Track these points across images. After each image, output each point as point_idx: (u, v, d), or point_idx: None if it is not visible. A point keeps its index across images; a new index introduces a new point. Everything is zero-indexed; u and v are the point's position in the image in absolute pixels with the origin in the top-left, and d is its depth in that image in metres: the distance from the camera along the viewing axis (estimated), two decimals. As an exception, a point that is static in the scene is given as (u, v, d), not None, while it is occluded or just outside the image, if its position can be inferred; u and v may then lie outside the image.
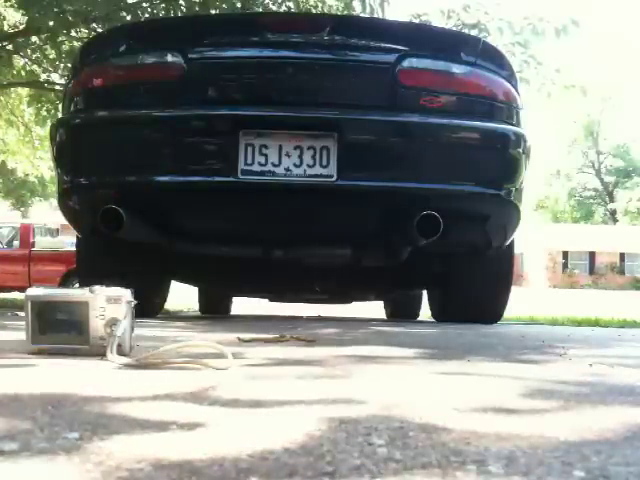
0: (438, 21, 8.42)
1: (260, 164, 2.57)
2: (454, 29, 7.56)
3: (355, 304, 6.37)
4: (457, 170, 2.71)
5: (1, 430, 0.63)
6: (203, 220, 2.85)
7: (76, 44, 8.36)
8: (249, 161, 2.57)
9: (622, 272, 36.91)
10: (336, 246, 3.04)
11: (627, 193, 49.38)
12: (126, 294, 1.27)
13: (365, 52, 2.83)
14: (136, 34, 3.04)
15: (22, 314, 2.33)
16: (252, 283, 4.55)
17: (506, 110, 2.83)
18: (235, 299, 6.71)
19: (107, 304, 1.25)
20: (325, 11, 8.61)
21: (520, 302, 7.26)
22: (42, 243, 10.98)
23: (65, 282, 9.82)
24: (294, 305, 6.47)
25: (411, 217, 2.55)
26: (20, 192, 20.14)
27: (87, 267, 3.29)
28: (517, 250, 3.65)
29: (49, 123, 8.94)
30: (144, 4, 8.02)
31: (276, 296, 5.86)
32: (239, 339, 1.73)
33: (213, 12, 7.49)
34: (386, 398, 0.90)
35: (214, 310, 5.94)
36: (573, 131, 50.86)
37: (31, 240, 10.94)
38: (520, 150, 2.80)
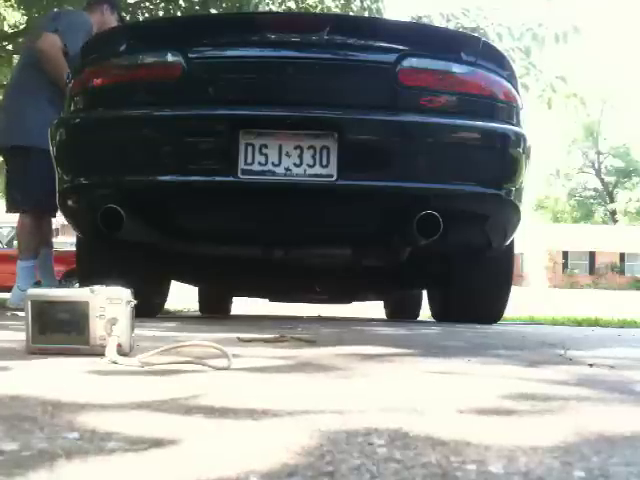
0: (438, 24, 8.42)
1: (260, 164, 2.57)
2: (454, 29, 7.56)
3: (355, 304, 6.38)
4: (457, 170, 2.71)
5: (1, 430, 0.63)
6: (203, 220, 2.85)
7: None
8: (249, 161, 2.57)
9: (622, 272, 36.94)
10: (336, 246, 3.05)
11: (627, 193, 49.42)
12: (126, 294, 1.27)
13: (365, 52, 2.83)
14: (136, 34, 3.04)
15: (22, 314, 2.33)
16: (252, 283, 4.55)
17: (506, 110, 2.83)
18: (235, 299, 6.72)
19: (107, 304, 1.25)
20: (324, 10, 8.61)
21: (520, 302, 7.27)
22: (42, 243, 10.95)
23: (65, 282, 9.81)
24: (294, 305, 6.47)
25: (411, 217, 2.55)
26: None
27: (87, 267, 3.29)
28: (517, 250, 3.65)
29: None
30: (144, 4, 8.02)
31: (276, 296, 5.86)
32: (239, 339, 1.73)
33: (213, 12, 7.49)
34: (386, 398, 0.90)
35: (214, 310, 5.95)
36: (573, 131, 50.90)
37: (31, 240, 10.90)
38: (520, 150, 2.80)
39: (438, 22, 8.49)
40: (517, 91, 2.92)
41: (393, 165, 2.68)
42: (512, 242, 3.21)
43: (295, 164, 2.57)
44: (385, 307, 6.77)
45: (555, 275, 35.87)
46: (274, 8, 8.39)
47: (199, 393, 0.88)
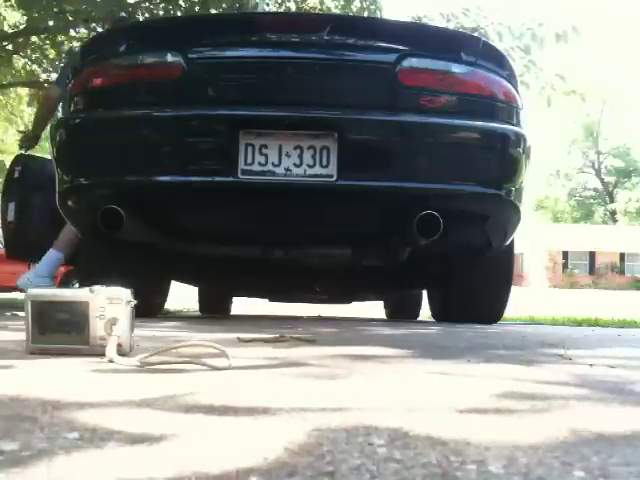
0: (438, 24, 8.42)
1: (260, 164, 2.57)
2: (454, 29, 7.56)
3: (355, 304, 6.38)
4: (457, 170, 2.71)
5: (1, 430, 0.63)
6: (203, 220, 2.85)
7: (76, 44, 8.37)
8: (249, 161, 2.57)
9: (622, 272, 36.92)
10: (336, 246, 3.05)
11: (627, 193, 49.41)
12: (126, 294, 1.27)
13: (365, 52, 2.83)
14: (136, 34, 3.04)
15: (22, 314, 2.33)
16: (252, 283, 4.55)
17: (506, 110, 2.84)
18: (235, 299, 6.72)
19: (107, 304, 1.25)
20: (324, 10, 8.62)
21: (520, 302, 7.27)
22: (42, 243, 10.93)
23: (65, 282, 9.81)
24: (294, 305, 6.47)
25: (411, 217, 2.55)
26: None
27: (87, 267, 3.29)
28: (517, 250, 3.66)
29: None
30: (144, 4, 8.02)
31: (276, 296, 5.86)
32: (239, 339, 1.73)
33: (213, 12, 7.49)
34: (386, 398, 0.90)
35: (214, 310, 5.95)
36: (573, 131, 50.89)
37: (31, 240, 10.90)
38: (520, 150, 2.80)
39: (438, 22, 8.49)
40: (517, 91, 2.92)
41: (393, 165, 2.68)
42: (512, 242, 3.21)
43: (295, 164, 2.57)
44: (385, 307, 6.77)
45: (555, 275, 35.86)
46: (274, 8, 8.39)
47: (199, 392, 0.88)
